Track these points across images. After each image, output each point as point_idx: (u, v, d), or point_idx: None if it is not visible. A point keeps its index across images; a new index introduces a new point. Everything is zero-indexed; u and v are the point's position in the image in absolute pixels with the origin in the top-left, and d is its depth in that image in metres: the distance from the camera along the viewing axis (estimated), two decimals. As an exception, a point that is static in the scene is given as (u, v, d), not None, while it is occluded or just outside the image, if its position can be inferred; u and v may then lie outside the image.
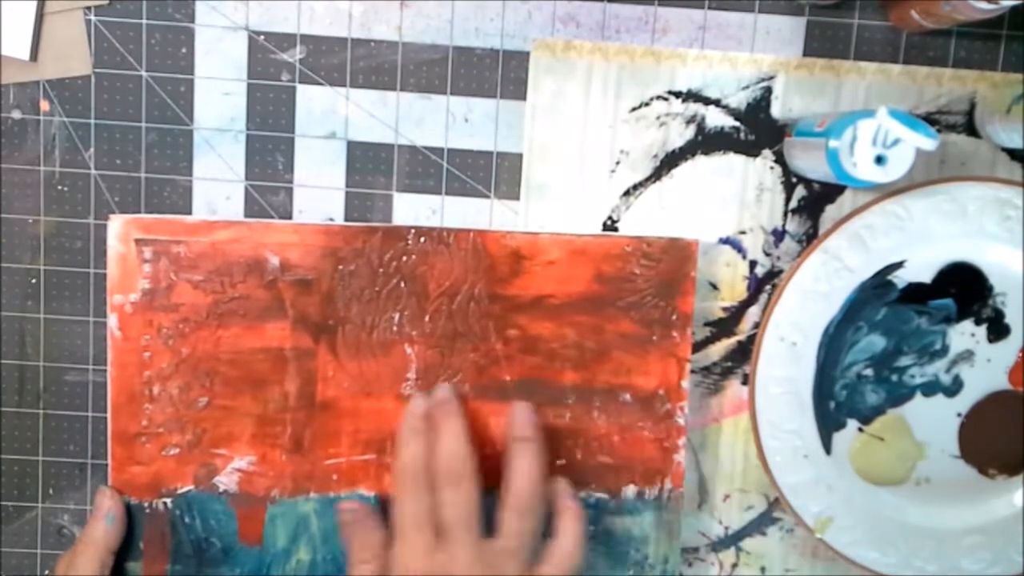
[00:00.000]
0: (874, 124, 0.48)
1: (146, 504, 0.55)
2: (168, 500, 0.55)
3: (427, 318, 0.55)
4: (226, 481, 0.55)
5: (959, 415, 0.57)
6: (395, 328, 0.55)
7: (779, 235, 0.57)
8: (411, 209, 0.56)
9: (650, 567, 0.57)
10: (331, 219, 0.56)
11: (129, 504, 0.55)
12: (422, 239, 0.54)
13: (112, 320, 0.54)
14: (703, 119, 0.56)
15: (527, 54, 0.55)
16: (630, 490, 0.56)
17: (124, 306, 0.54)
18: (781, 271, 0.57)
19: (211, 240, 0.53)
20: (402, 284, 0.54)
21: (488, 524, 0.54)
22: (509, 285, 0.55)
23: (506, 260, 0.54)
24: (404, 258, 0.54)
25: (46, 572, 0.59)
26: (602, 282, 0.55)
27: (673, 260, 0.55)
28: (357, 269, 0.54)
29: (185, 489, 0.55)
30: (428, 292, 0.54)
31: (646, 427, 0.56)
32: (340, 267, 0.54)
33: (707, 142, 0.56)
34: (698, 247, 0.55)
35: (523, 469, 0.51)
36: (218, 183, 0.56)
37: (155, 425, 0.54)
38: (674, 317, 0.55)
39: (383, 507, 0.55)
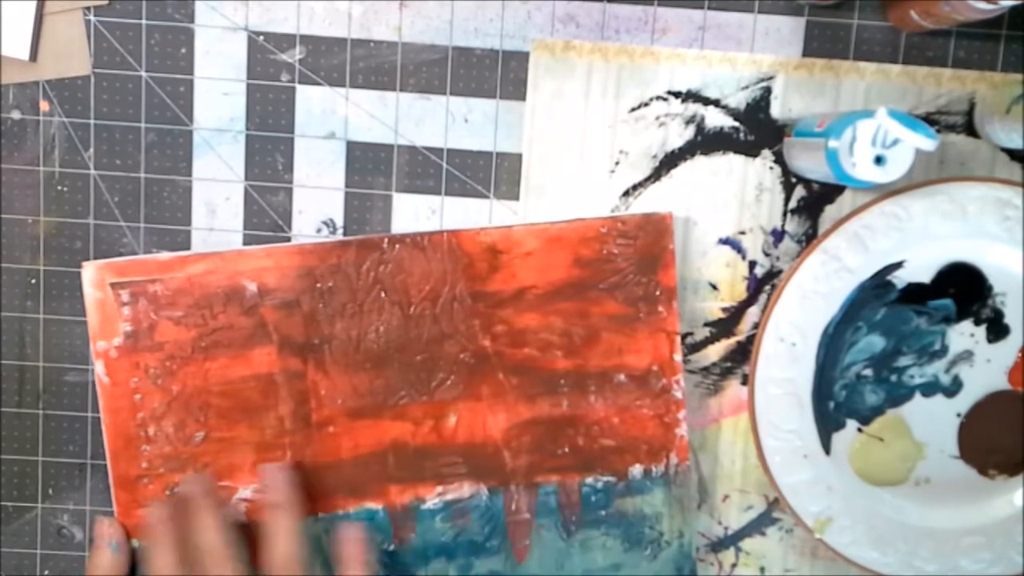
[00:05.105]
0: (874, 124, 0.48)
1: None
2: None
3: (412, 325, 0.55)
4: (233, 512, 0.55)
5: (959, 415, 0.57)
6: (382, 339, 0.55)
7: (779, 235, 0.57)
8: (411, 209, 0.56)
9: (666, 544, 0.57)
10: (331, 219, 0.56)
11: (138, 547, 0.54)
12: (396, 246, 0.54)
13: (99, 367, 0.53)
14: (702, 119, 0.56)
15: (527, 54, 0.55)
16: (636, 469, 0.56)
17: (109, 352, 0.53)
18: (781, 271, 0.57)
19: (186, 274, 0.53)
20: (383, 294, 0.54)
21: (485, 523, 0.53)
22: (489, 281, 0.54)
23: (483, 256, 0.54)
24: (381, 267, 0.54)
25: (46, 572, 0.59)
26: (582, 266, 0.55)
27: (649, 235, 0.55)
28: (335, 285, 0.54)
29: None
30: (410, 299, 0.54)
31: (644, 405, 0.56)
32: (318, 285, 0.54)
33: (706, 142, 0.56)
34: (672, 219, 0.55)
35: (280, 533, 0.51)
36: (218, 183, 0.56)
37: (155, 466, 0.54)
38: (658, 292, 0.55)
39: (392, 520, 0.55)
